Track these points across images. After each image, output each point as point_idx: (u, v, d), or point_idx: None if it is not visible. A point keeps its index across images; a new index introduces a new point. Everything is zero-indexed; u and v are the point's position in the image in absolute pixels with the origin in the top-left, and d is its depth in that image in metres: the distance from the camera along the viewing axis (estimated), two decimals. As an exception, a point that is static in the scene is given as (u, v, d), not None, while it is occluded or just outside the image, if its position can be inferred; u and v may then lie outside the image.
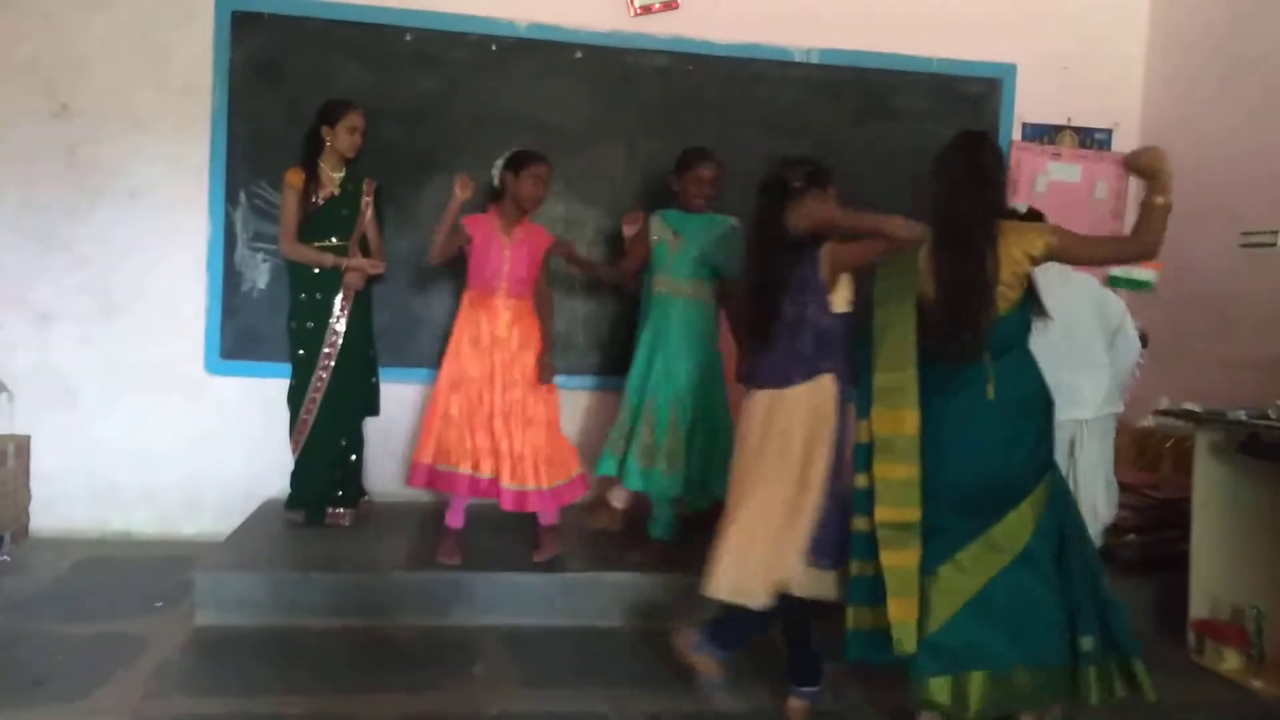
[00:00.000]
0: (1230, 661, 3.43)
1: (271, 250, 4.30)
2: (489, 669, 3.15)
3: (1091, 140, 4.91)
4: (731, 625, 2.89)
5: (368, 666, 3.12)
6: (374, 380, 4.14)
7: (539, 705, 2.92)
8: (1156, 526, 3.97)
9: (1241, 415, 3.43)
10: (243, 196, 4.30)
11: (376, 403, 4.17)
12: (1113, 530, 3.99)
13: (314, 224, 3.89)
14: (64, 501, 4.28)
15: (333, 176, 3.94)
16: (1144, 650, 3.18)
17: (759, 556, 2.74)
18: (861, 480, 2.76)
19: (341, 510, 3.99)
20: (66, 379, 4.28)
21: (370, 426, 4.24)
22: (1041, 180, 4.83)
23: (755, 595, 2.73)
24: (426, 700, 2.91)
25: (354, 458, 4.01)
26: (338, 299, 3.90)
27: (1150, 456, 4.38)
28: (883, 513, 2.68)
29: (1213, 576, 3.57)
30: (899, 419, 2.70)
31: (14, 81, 4.19)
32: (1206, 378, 4.24)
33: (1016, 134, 4.82)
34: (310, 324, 3.89)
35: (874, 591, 2.68)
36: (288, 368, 4.15)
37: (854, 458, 2.77)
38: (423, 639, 3.34)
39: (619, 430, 3.84)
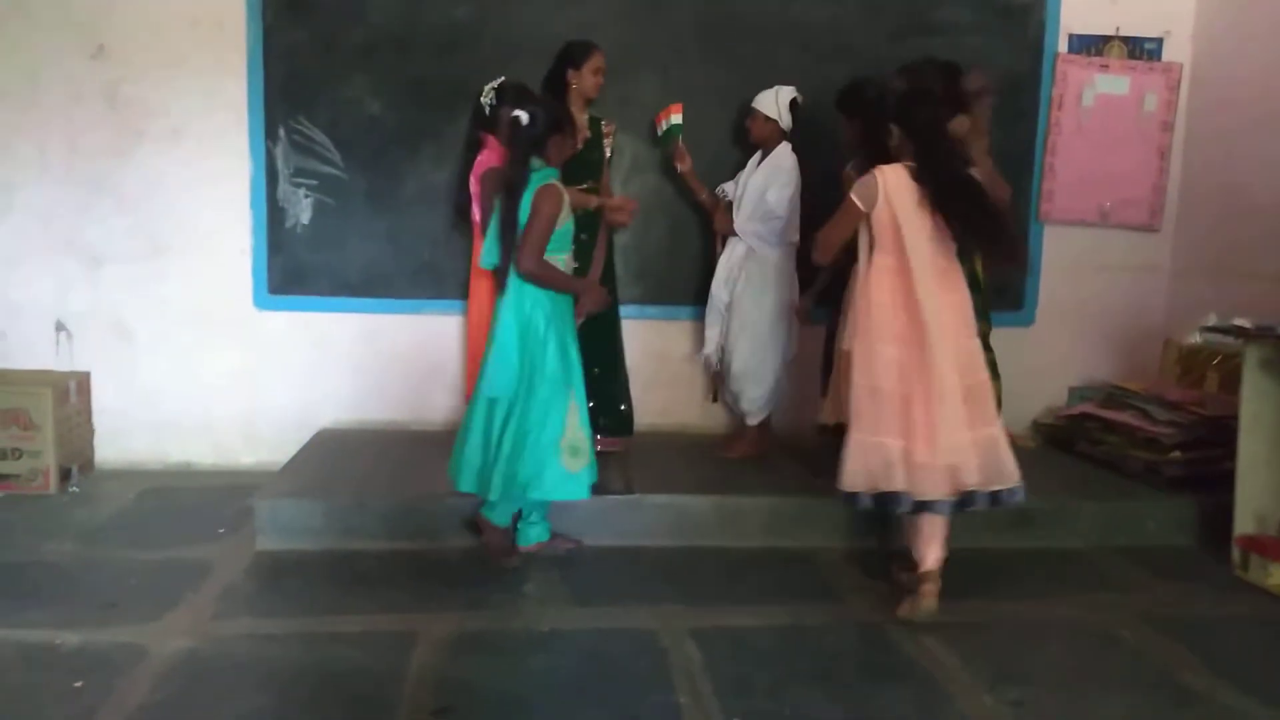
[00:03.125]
0: (1276, 576, 3.42)
1: (313, 185, 4.34)
2: (539, 587, 3.25)
3: (1141, 51, 4.74)
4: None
5: (423, 587, 3.23)
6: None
7: (588, 622, 3.01)
8: (1202, 444, 3.95)
9: (1293, 330, 3.38)
10: (282, 132, 4.32)
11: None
12: (1157, 448, 3.99)
13: (572, 169, 3.60)
14: (126, 435, 4.43)
15: (582, 120, 3.84)
16: (1186, 564, 3.53)
17: None
18: None
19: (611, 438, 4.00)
20: (121, 317, 4.39)
21: (425, 358, 4.41)
22: (1088, 93, 4.70)
23: None
24: (480, 618, 3.01)
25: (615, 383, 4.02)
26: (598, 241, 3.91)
27: (1196, 374, 4.33)
28: None
29: (1259, 493, 3.55)
30: None
31: (50, 23, 4.21)
32: (1257, 292, 4.16)
33: (1062, 46, 4.68)
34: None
35: None
36: (335, 301, 4.26)
37: None
38: (475, 560, 3.44)
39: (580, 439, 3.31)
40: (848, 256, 3.46)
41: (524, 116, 3.19)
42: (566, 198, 3.26)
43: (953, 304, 3.10)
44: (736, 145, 4.34)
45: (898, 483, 3.03)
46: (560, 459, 3.23)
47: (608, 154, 4.04)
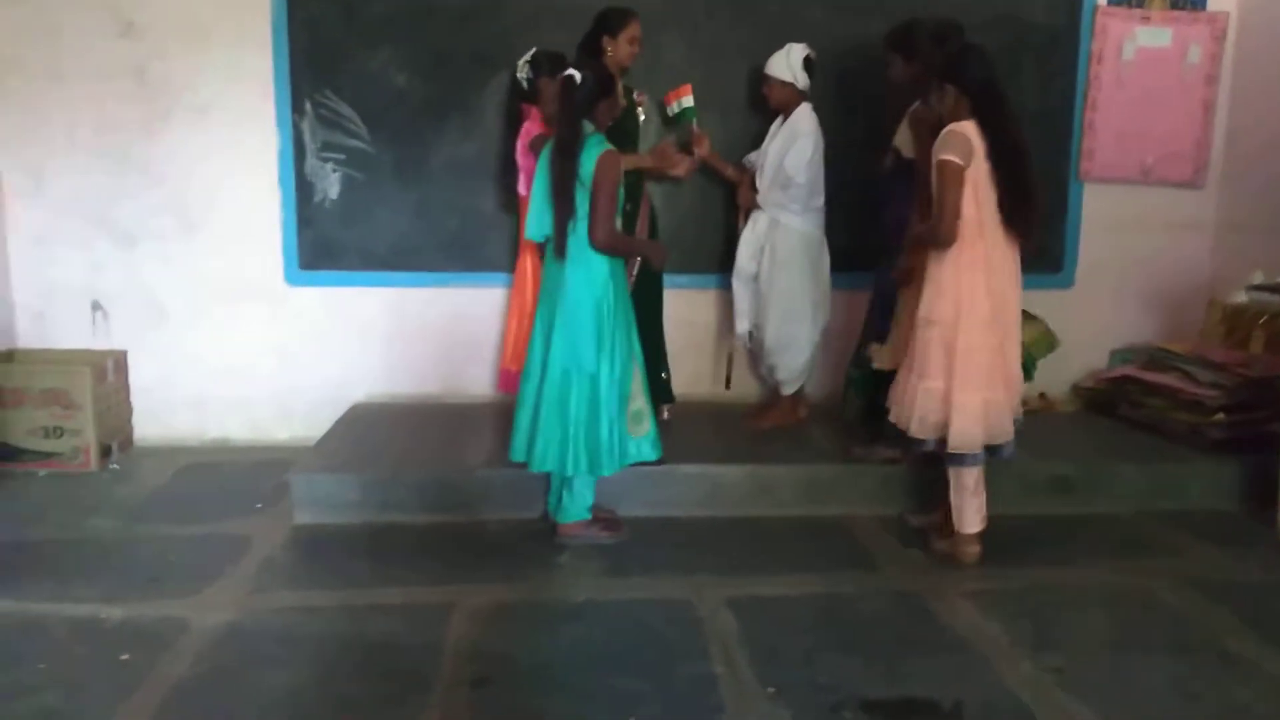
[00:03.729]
0: (1322, 539, 3.37)
1: (340, 160, 4.33)
2: (573, 559, 3.27)
3: (1184, 0, 4.59)
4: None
5: (459, 559, 3.25)
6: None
7: (623, 593, 3.02)
8: (1247, 406, 3.86)
9: (1343, 287, 3.29)
10: (308, 106, 4.31)
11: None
12: (1201, 410, 3.91)
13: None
14: (164, 412, 4.48)
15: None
16: (1230, 528, 3.42)
17: None
18: None
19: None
20: (155, 295, 4.42)
21: (457, 332, 4.40)
22: (1129, 47, 4.55)
23: None
24: (518, 590, 3.03)
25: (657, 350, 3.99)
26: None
27: (1241, 334, 4.22)
28: None
29: (1306, 455, 3.48)
30: None
31: (79, 2, 4.20)
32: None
33: (1102, -2, 4.55)
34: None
35: None
36: (365, 276, 4.26)
37: None
38: (510, 532, 3.47)
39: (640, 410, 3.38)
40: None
41: (577, 75, 3.14)
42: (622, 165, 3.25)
43: (1014, 256, 3.20)
44: (764, 111, 4.24)
45: (1008, 431, 3.21)
46: (626, 426, 3.26)
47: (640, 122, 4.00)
